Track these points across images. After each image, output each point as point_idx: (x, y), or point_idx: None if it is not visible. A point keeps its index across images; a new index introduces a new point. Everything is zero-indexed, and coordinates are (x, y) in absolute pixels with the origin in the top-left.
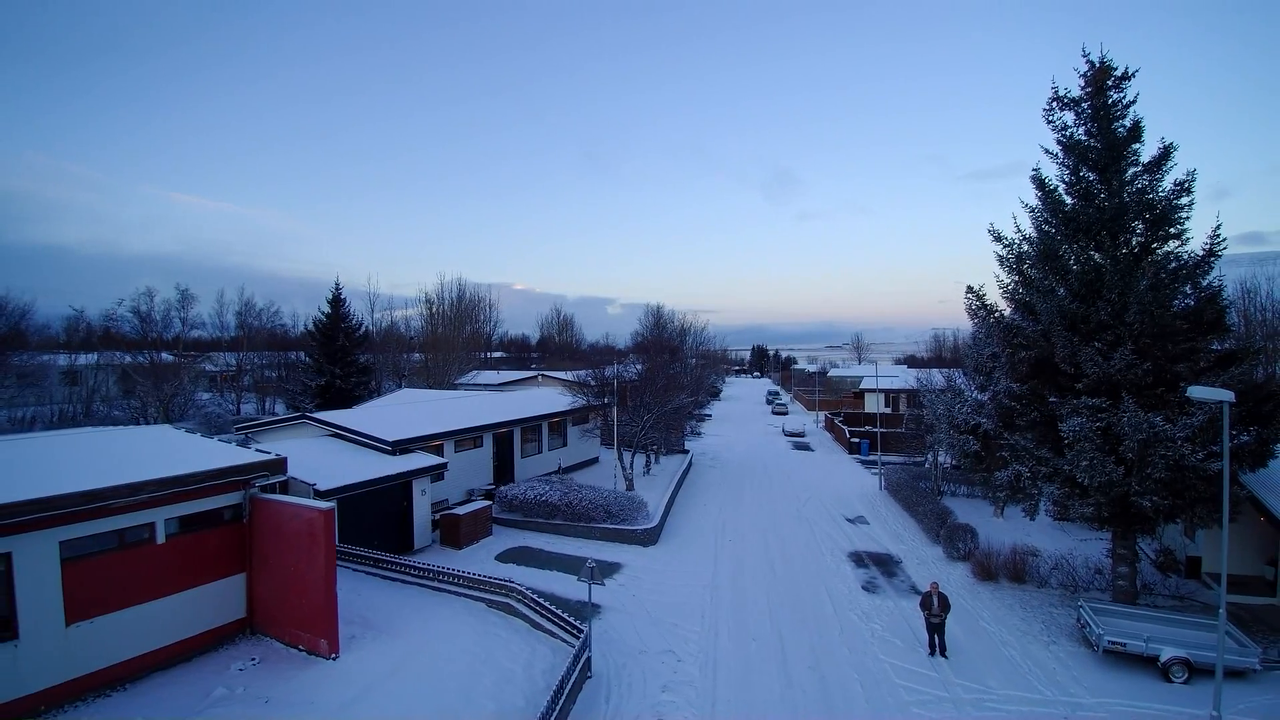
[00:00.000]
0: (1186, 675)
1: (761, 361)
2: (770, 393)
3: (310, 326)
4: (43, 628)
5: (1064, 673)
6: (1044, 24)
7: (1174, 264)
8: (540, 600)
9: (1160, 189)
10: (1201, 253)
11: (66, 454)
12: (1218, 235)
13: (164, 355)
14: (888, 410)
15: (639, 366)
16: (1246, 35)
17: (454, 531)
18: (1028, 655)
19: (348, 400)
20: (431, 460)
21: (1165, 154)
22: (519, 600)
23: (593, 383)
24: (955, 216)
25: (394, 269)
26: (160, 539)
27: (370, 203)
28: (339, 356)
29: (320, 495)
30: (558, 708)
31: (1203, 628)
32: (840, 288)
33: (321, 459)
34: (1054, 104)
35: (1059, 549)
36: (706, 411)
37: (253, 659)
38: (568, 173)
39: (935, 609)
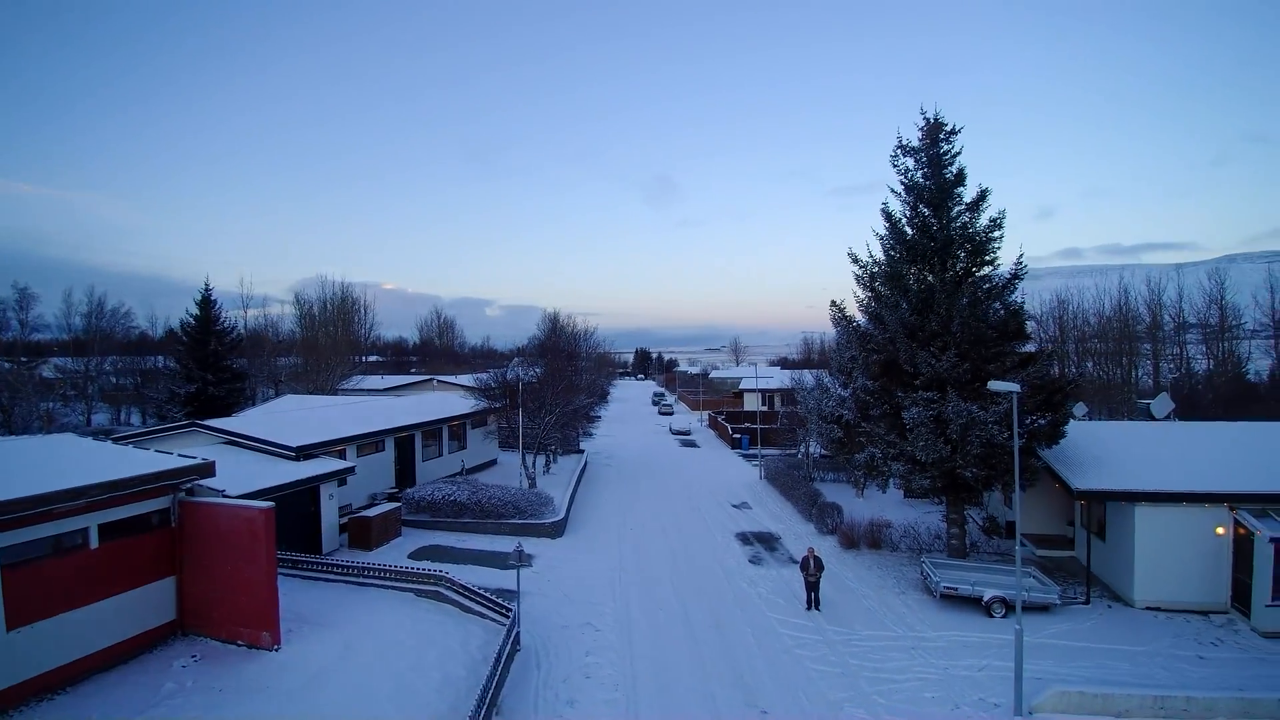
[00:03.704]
0: (1004, 611)
1: (645, 364)
2: (656, 394)
3: (175, 328)
4: None
5: (911, 615)
6: (897, 48)
7: (987, 285)
8: (469, 587)
9: (978, 224)
10: (1008, 276)
11: None
12: (1020, 263)
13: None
14: (765, 408)
15: (538, 370)
16: (1071, 70)
17: (365, 534)
18: (884, 604)
19: (221, 408)
20: (338, 464)
21: (982, 196)
22: (448, 587)
23: (495, 386)
24: (822, 228)
25: (244, 264)
26: (94, 544)
27: (217, 195)
28: (211, 362)
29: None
30: (498, 671)
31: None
32: (718, 292)
33: (223, 466)
34: (899, 151)
35: (908, 520)
36: (596, 413)
37: (193, 656)
38: (447, 171)
39: (812, 570)
